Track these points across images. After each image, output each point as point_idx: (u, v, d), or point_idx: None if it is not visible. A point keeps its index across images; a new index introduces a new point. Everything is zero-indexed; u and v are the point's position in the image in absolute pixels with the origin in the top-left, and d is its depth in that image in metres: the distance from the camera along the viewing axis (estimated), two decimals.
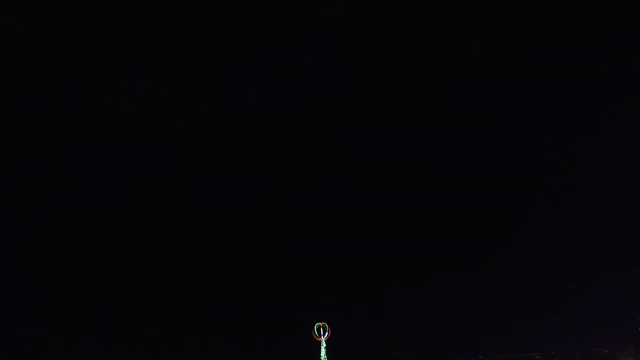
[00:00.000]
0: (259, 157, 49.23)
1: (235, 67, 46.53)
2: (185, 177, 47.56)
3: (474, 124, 48.43)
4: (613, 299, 42.72)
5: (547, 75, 47.24)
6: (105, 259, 44.34)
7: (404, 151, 49.83)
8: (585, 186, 48.31)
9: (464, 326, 44.53)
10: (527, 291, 46.81)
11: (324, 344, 35.53)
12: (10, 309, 38.42)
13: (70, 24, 40.61)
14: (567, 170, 49.64)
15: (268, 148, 49.22)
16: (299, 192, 50.06)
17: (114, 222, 45.40)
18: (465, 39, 46.56)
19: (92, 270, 43.53)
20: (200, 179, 48.08)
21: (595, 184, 48.00)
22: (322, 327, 36.39)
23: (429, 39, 46.43)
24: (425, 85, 48.34)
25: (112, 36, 42.30)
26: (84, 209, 44.60)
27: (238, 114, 47.94)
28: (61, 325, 39.77)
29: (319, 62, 46.76)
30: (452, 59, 47.28)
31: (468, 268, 49.00)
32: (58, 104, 42.59)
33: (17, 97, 41.21)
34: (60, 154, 43.50)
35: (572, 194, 49.71)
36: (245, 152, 48.83)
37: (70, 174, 43.68)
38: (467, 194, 50.14)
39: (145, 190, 46.03)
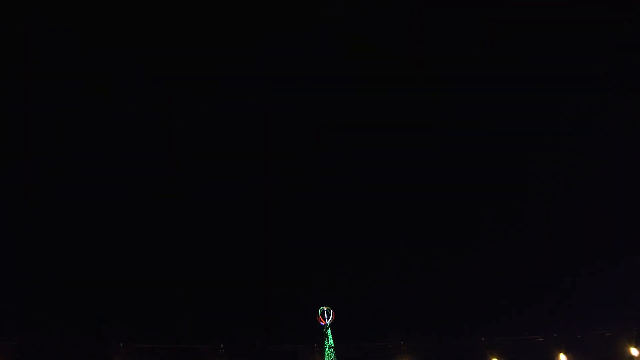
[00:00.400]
0: (259, 157, 49.34)
1: (235, 67, 46.59)
2: (185, 177, 47.68)
3: (474, 124, 48.51)
4: (614, 289, 42.89)
5: (547, 75, 47.33)
6: (105, 259, 44.42)
7: (404, 151, 49.93)
8: (585, 186, 48.51)
9: (464, 324, 44.90)
10: (527, 287, 47.22)
11: (328, 328, 35.74)
12: (10, 309, 38.48)
13: (70, 24, 40.69)
14: (567, 170, 49.80)
15: (268, 148, 49.32)
16: (299, 192, 50.21)
17: (114, 222, 45.50)
18: (465, 39, 46.62)
19: (92, 270, 43.59)
20: (200, 179, 48.19)
21: (596, 184, 48.19)
22: (327, 310, 36.70)
23: (429, 39, 46.48)
24: (425, 85, 48.40)
25: (112, 36, 42.35)
26: (84, 209, 44.70)
27: (238, 114, 48.02)
28: (61, 326, 39.86)
29: (319, 62, 46.82)
30: (452, 59, 47.34)
31: (467, 267, 49.23)
32: (58, 104, 42.66)
33: (17, 97, 41.29)
34: (60, 154, 43.54)
35: (572, 194, 49.92)
36: (245, 152, 48.93)
37: (70, 174, 43.70)
38: (467, 194, 50.31)
39: (145, 190, 46.12)
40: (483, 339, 36.30)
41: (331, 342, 35.21)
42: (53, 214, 43.18)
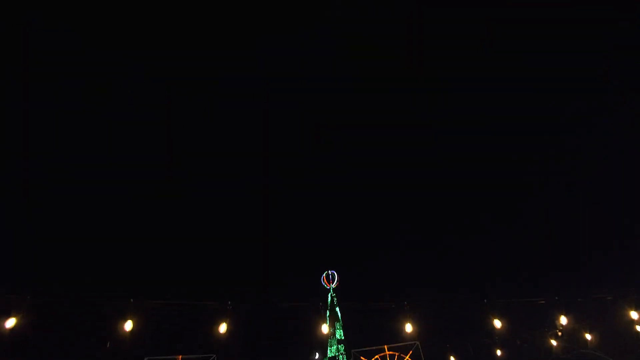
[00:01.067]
0: (259, 157, 49.34)
1: (235, 67, 46.56)
2: (185, 177, 47.67)
3: (474, 124, 48.54)
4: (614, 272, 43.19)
5: (547, 75, 47.30)
6: (105, 259, 44.46)
7: (404, 151, 49.95)
8: (585, 186, 48.53)
9: (466, 286, 45.37)
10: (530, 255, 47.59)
11: (332, 292, 36.29)
12: (23, 265, 38.45)
13: (70, 24, 40.65)
14: (567, 170, 49.82)
15: (268, 148, 49.32)
16: (299, 192, 50.23)
17: (114, 222, 45.51)
18: (465, 39, 46.60)
19: (92, 270, 43.63)
20: (200, 179, 48.19)
21: (596, 184, 48.22)
22: (331, 274, 37.35)
23: (429, 39, 46.46)
24: (425, 85, 48.42)
25: (112, 36, 42.33)
26: (84, 209, 44.70)
27: (238, 114, 48.01)
28: (74, 282, 39.94)
29: (319, 62, 46.81)
30: (452, 59, 47.33)
31: (466, 266, 49.35)
32: (58, 104, 42.63)
33: (17, 97, 41.25)
34: (60, 154, 43.51)
35: (572, 194, 49.94)
36: (245, 152, 48.92)
37: (70, 174, 43.67)
38: (466, 194, 50.37)
39: (145, 190, 46.13)
40: (485, 300, 36.33)
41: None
42: (53, 214, 43.11)
